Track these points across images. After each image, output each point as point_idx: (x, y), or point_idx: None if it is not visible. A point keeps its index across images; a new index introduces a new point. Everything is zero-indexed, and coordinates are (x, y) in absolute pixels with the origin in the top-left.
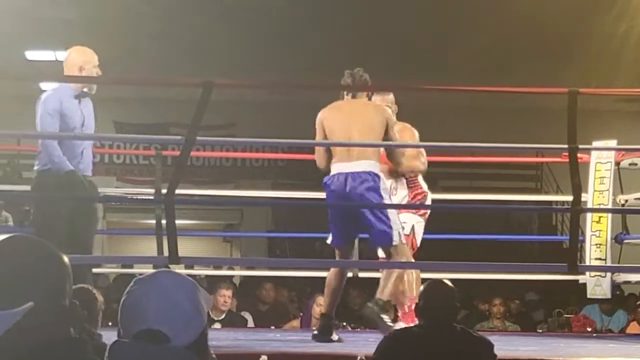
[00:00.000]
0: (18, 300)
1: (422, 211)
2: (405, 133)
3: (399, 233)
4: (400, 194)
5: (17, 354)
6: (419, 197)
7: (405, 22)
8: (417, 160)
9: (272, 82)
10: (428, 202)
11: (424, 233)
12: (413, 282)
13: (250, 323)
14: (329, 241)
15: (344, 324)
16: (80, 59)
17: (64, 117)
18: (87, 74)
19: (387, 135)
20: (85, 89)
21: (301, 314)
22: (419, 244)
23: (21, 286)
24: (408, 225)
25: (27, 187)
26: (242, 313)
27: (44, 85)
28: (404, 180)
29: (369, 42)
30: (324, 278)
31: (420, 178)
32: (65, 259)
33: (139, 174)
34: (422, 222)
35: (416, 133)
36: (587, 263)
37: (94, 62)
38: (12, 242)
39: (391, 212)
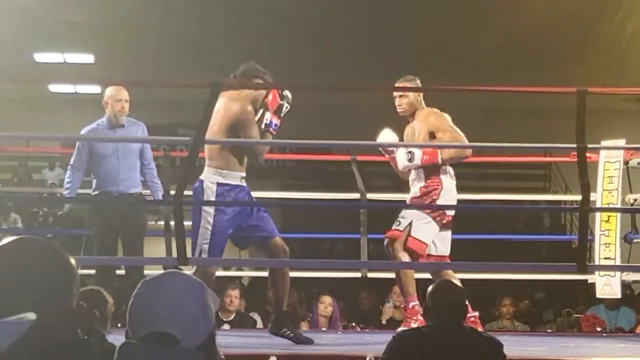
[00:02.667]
0: (27, 304)
1: (437, 212)
2: (431, 118)
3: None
4: (415, 187)
5: (27, 356)
6: (433, 192)
7: (415, 24)
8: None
9: (278, 82)
10: (444, 197)
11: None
12: (408, 282)
13: (260, 324)
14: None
15: (353, 324)
16: (107, 94)
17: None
18: (111, 108)
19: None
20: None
21: (310, 315)
22: (426, 244)
23: (29, 289)
24: (405, 221)
25: (36, 190)
26: (251, 314)
27: (52, 87)
28: (422, 173)
29: (377, 43)
30: (332, 279)
31: (444, 170)
32: (72, 260)
33: None
34: (430, 221)
35: (447, 117)
36: (597, 262)
37: (119, 97)
38: (19, 244)
39: None
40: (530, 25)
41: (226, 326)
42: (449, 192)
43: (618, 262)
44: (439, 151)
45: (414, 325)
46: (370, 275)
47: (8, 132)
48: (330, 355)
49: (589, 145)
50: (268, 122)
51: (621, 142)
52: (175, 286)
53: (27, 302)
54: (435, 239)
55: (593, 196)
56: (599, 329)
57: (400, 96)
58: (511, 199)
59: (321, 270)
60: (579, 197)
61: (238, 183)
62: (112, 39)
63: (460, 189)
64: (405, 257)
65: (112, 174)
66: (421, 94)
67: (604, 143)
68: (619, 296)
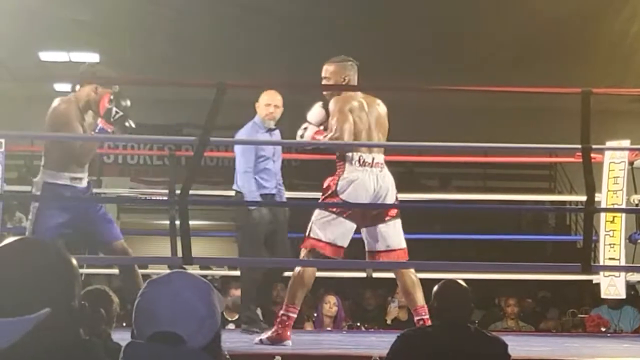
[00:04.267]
0: (32, 304)
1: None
2: (331, 102)
3: None
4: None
5: (29, 357)
6: (332, 185)
7: (418, 23)
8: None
9: (285, 82)
10: (346, 189)
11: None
12: (297, 287)
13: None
14: None
15: (358, 324)
16: (261, 98)
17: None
18: (260, 112)
19: None
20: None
21: (314, 315)
22: (327, 242)
23: (34, 290)
24: (310, 225)
25: None
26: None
27: (57, 87)
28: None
29: (382, 43)
30: (339, 279)
31: (349, 157)
32: (74, 260)
33: (153, 174)
34: (334, 217)
35: (349, 101)
36: (601, 263)
37: (269, 102)
38: (22, 245)
39: None
40: (533, 26)
41: (231, 326)
42: (350, 183)
43: (623, 263)
44: (320, 136)
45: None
46: (375, 275)
47: (13, 131)
48: (335, 355)
49: (594, 146)
50: (95, 126)
51: (626, 143)
52: (182, 286)
53: (33, 301)
54: (366, 235)
55: (598, 197)
56: (603, 329)
57: (324, 77)
58: (516, 199)
59: (326, 270)
60: (583, 198)
61: (68, 183)
62: (117, 37)
63: (465, 189)
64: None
65: (271, 175)
66: (347, 79)
67: (608, 144)
68: (624, 296)
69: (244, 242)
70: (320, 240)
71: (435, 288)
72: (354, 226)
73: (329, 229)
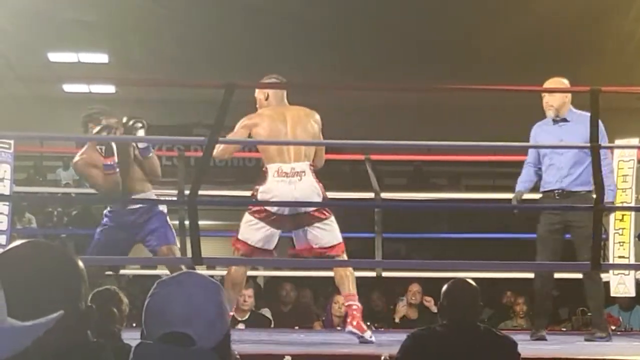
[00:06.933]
0: (42, 307)
1: (255, 208)
2: None
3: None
4: None
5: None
6: (254, 196)
7: (426, 23)
8: None
9: (293, 83)
10: (264, 197)
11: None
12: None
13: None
14: None
15: (368, 323)
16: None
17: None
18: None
19: None
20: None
21: (324, 315)
22: (246, 242)
23: (45, 292)
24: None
25: (51, 189)
26: (262, 310)
27: (66, 87)
28: None
29: (390, 43)
30: None
31: (268, 169)
32: (80, 262)
33: (162, 175)
34: (255, 222)
35: (257, 117)
36: (611, 261)
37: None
38: (31, 247)
39: None
40: (541, 24)
41: (241, 325)
42: (267, 192)
43: (632, 261)
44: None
45: None
46: (384, 274)
47: (22, 132)
48: (345, 354)
49: (603, 144)
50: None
51: (635, 141)
52: (191, 286)
53: (45, 306)
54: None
55: None
56: (613, 327)
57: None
58: (525, 198)
59: (330, 269)
60: (592, 196)
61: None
62: (126, 38)
63: (474, 188)
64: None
65: (554, 170)
66: (270, 95)
67: (617, 142)
68: (633, 294)
69: None
70: (245, 243)
71: (445, 287)
72: (276, 231)
73: (252, 233)
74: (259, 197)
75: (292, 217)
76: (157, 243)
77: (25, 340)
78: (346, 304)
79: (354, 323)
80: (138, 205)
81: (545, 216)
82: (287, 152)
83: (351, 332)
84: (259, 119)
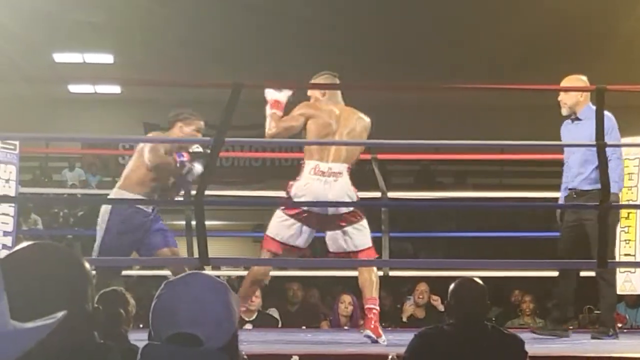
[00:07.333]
0: (49, 309)
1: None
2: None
3: None
4: None
5: None
6: (288, 191)
7: (429, 21)
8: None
9: (298, 82)
10: (297, 193)
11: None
12: (247, 284)
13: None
14: None
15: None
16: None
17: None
18: None
19: None
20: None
21: (331, 314)
22: (278, 240)
23: (51, 294)
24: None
25: (56, 190)
26: (270, 310)
27: (71, 88)
28: None
29: (392, 42)
30: (354, 277)
31: (307, 165)
32: (86, 263)
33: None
34: (286, 218)
35: (311, 105)
36: (617, 259)
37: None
38: (38, 249)
39: None
40: (547, 22)
41: (248, 326)
42: (301, 188)
43: (638, 259)
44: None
45: None
46: (392, 273)
47: (28, 133)
48: (352, 354)
49: (609, 142)
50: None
51: None
52: (199, 287)
53: (52, 307)
54: (328, 238)
55: None
56: (619, 325)
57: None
58: (532, 197)
59: (342, 269)
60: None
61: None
62: (131, 39)
63: (481, 186)
64: (266, 257)
65: (567, 169)
66: (327, 93)
67: (623, 140)
68: None
69: None
70: (274, 240)
71: (452, 286)
72: (310, 229)
73: (283, 230)
74: (292, 191)
75: (323, 216)
76: (162, 244)
77: (29, 342)
78: (366, 306)
79: (372, 326)
80: (151, 208)
81: (565, 215)
82: (327, 151)
83: (368, 336)
84: (317, 112)
